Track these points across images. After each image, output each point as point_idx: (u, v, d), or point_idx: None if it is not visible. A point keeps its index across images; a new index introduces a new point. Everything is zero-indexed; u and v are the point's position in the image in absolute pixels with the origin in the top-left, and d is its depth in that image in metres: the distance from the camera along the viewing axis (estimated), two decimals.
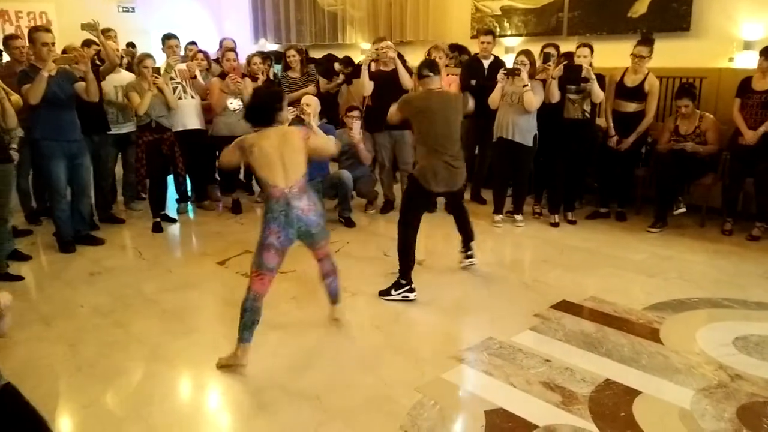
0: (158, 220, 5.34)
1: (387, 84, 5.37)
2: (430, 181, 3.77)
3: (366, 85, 5.41)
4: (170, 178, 5.62)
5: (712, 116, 5.03)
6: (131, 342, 3.33)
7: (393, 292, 3.81)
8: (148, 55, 5.26)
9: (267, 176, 2.96)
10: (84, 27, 4.84)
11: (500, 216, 5.38)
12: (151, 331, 3.44)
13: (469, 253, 4.32)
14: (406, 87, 5.41)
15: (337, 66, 7.19)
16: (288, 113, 4.83)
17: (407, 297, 3.79)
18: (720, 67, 5.37)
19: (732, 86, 5.02)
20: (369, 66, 5.41)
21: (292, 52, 6.22)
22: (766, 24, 5.13)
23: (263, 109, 3.05)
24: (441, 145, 3.75)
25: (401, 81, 5.36)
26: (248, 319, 2.96)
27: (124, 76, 5.39)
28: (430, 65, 3.89)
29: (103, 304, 3.81)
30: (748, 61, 5.22)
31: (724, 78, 5.27)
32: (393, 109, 4.02)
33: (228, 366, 3.00)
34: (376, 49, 5.46)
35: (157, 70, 5.14)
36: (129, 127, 5.47)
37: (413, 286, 3.81)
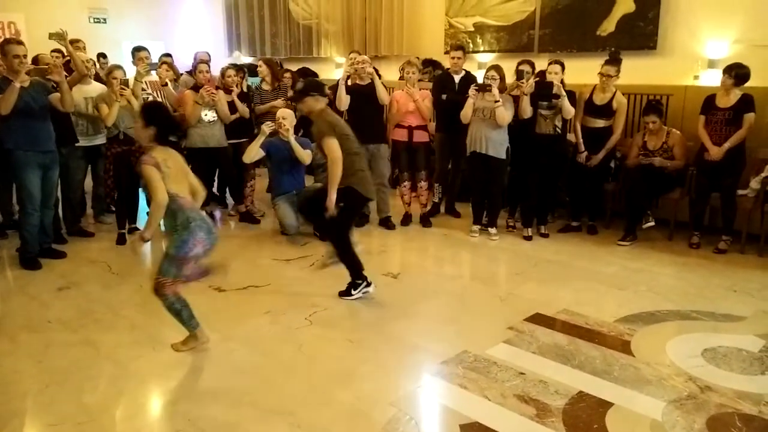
0: (123, 231, 5.29)
1: (363, 98, 5.40)
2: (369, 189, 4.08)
3: (343, 99, 5.43)
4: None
5: (678, 132, 5.17)
6: (100, 358, 3.25)
7: (353, 292, 3.98)
8: (118, 66, 5.23)
9: (175, 189, 3.07)
10: (51, 36, 4.80)
11: (478, 226, 5.43)
12: (121, 347, 3.37)
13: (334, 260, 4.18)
14: (382, 101, 5.45)
15: (326, 89, 7.21)
16: (265, 126, 4.84)
17: (367, 291, 4.00)
18: (686, 85, 5.52)
19: (697, 103, 5.17)
20: (346, 80, 5.43)
21: (260, 62, 6.20)
22: (730, 43, 5.30)
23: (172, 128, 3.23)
24: (360, 157, 4.04)
25: (378, 95, 5.39)
26: (185, 314, 3.21)
27: (95, 87, 5.32)
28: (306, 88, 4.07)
29: (71, 319, 3.72)
30: (713, 79, 5.38)
31: (689, 95, 5.42)
32: (335, 149, 3.86)
33: (189, 349, 3.25)
34: (352, 64, 5.49)
35: (125, 82, 5.09)
36: (100, 140, 5.38)
37: (369, 280, 4.01)
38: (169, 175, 3.04)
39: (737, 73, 4.69)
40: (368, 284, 4.01)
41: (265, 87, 6.01)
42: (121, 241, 5.24)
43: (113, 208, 5.68)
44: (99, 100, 5.02)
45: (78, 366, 3.16)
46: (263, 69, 6.09)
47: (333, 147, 3.84)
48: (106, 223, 5.74)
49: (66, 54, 5.15)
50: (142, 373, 3.10)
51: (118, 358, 3.25)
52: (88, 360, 3.23)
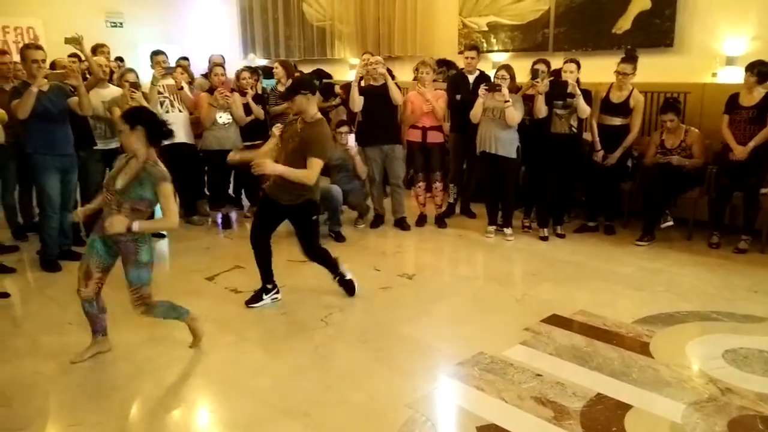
0: None
1: (377, 99, 5.40)
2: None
3: (356, 100, 5.43)
4: None
5: (697, 130, 5.10)
6: (118, 359, 3.28)
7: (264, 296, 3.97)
8: (130, 70, 5.30)
9: None
10: (67, 41, 4.86)
11: (493, 227, 5.41)
12: (139, 348, 3.40)
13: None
14: (396, 102, 5.44)
15: (337, 89, 7.21)
16: (275, 129, 4.86)
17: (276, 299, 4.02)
18: (703, 83, 5.45)
19: (715, 101, 5.11)
20: (359, 81, 5.44)
21: (276, 64, 6.26)
22: (748, 40, 5.22)
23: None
24: None
25: (391, 96, 5.39)
26: (174, 308, 3.28)
27: (112, 91, 5.37)
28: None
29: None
30: (731, 76, 5.31)
31: (707, 93, 5.35)
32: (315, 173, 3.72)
33: (201, 337, 3.36)
34: (365, 65, 5.49)
35: (135, 85, 5.14)
36: (117, 143, 5.43)
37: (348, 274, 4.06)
38: None
39: (760, 70, 4.63)
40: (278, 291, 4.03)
41: (281, 89, 6.03)
42: None
43: None
44: (112, 103, 5.07)
45: (96, 367, 3.19)
46: (279, 71, 6.12)
47: (316, 170, 3.67)
48: None
49: (83, 58, 5.21)
50: (159, 374, 3.13)
51: (135, 358, 3.28)
52: (106, 361, 3.26)
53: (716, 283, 4.25)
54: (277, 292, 4.02)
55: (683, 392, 2.86)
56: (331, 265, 4.04)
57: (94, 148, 5.30)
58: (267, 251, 3.98)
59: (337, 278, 4.05)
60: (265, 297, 3.97)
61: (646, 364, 3.13)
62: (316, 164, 3.66)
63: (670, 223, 5.01)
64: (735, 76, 5.29)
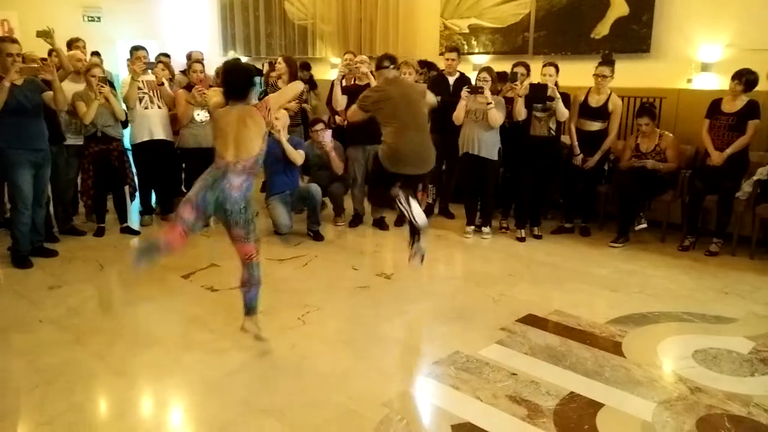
0: (103, 225, 5.41)
1: None
2: (396, 163, 3.85)
3: (339, 100, 5.42)
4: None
5: (671, 135, 5.19)
6: (91, 357, 3.24)
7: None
8: (96, 64, 5.25)
9: (218, 148, 3.05)
10: (39, 34, 4.81)
11: (471, 227, 5.45)
12: (112, 346, 3.36)
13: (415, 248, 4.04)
14: None
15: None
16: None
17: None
18: (679, 88, 5.55)
19: (690, 106, 5.21)
20: (341, 80, 5.42)
21: (279, 59, 6.09)
22: (722, 47, 5.33)
23: (236, 84, 3.07)
24: (407, 128, 3.85)
25: None
26: (142, 246, 3.21)
27: None
28: (389, 57, 4.13)
29: (62, 318, 3.71)
30: (706, 82, 5.42)
31: (682, 98, 5.45)
32: (353, 107, 4.13)
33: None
34: (348, 64, 5.48)
35: (103, 79, 5.08)
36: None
37: None
38: (217, 133, 3.05)
39: (748, 78, 4.70)
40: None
41: (281, 85, 5.95)
42: (99, 233, 5.34)
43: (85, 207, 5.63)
44: (76, 97, 4.99)
45: (69, 365, 3.14)
46: (282, 66, 6.00)
47: (352, 109, 4.20)
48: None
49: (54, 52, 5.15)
50: (133, 372, 3.09)
51: (109, 357, 3.24)
52: (79, 359, 3.21)
53: (688, 284, 4.34)
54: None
55: (654, 391, 2.91)
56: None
57: (69, 143, 5.24)
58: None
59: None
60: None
61: (618, 363, 3.18)
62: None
63: (644, 225, 5.09)
64: (710, 82, 5.40)
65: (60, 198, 5.36)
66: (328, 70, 8.57)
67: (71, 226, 5.45)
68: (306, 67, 7.71)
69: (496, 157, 5.17)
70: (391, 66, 4.10)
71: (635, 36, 5.79)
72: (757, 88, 4.75)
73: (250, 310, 3.27)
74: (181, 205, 3.02)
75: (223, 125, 3.03)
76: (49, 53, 5.35)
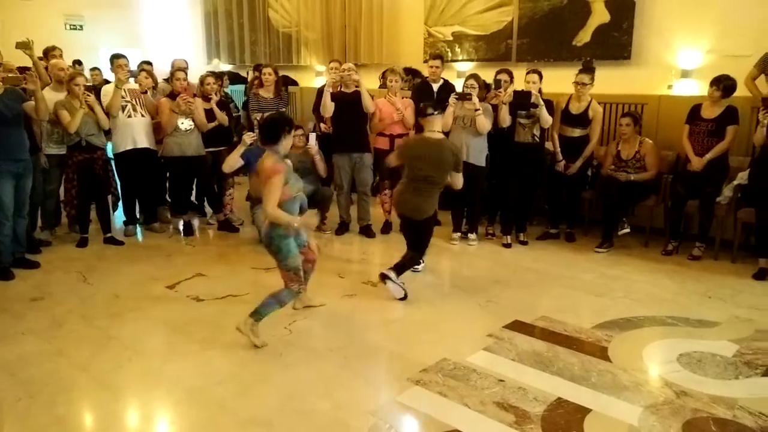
0: (86, 236, 5.35)
1: (348, 106, 5.41)
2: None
3: (327, 106, 5.42)
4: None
5: (650, 141, 5.25)
6: (75, 370, 3.19)
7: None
8: (80, 73, 5.22)
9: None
10: (18, 46, 4.80)
11: (458, 234, 5.48)
12: (96, 359, 3.31)
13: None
14: (367, 109, 5.45)
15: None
16: (247, 137, 4.78)
17: (416, 269, 4.53)
18: (659, 94, 5.63)
19: (671, 112, 5.28)
20: (332, 87, 5.43)
21: (269, 70, 5.97)
22: (702, 53, 5.42)
23: (274, 127, 3.37)
24: (418, 180, 4.20)
25: (363, 103, 5.40)
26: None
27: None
28: (434, 105, 4.32)
29: (45, 330, 3.66)
30: (686, 88, 5.50)
31: (663, 104, 5.52)
32: (392, 156, 4.62)
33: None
34: (333, 70, 5.49)
35: (89, 88, 5.04)
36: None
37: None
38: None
39: (725, 85, 4.75)
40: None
41: (265, 94, 5.93)
42: (82, 244, 5.28)
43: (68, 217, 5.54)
44: (58, 106, 4.92)
45: (52, 378, 3.10)
46: (272, 77, 5.94)
47: (391, 157, 4.71)
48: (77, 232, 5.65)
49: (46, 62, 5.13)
50: (117, 385, 3.05)
51: (93, 369, 3.20)
52: (62, 371, 3.17)
53: (672, 289, 4.38)
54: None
55: (640, 395, 2.93)
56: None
57: (51, 153, 5.20)
58: None
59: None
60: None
61: (604, 368, 3.20)
62: None
63: (627, 230, 5.14)
64: (690, 88, 5.49)
65: (33, 208, 5.29)
66: (313, 77, 8.59)
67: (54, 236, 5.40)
68: (285, 83, 7.82)
69: (483, 164, 5.19)
70: (436, 113, 4.28)
71: (616, 43, 5.87)
72: (735, 94, 4.82)
73: (256, 312, 3.43)
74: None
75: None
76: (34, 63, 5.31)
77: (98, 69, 7.07)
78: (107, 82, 6.34)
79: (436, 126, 4.26)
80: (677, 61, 5.56)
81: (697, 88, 5.43)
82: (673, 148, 5.33)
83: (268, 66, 6.14)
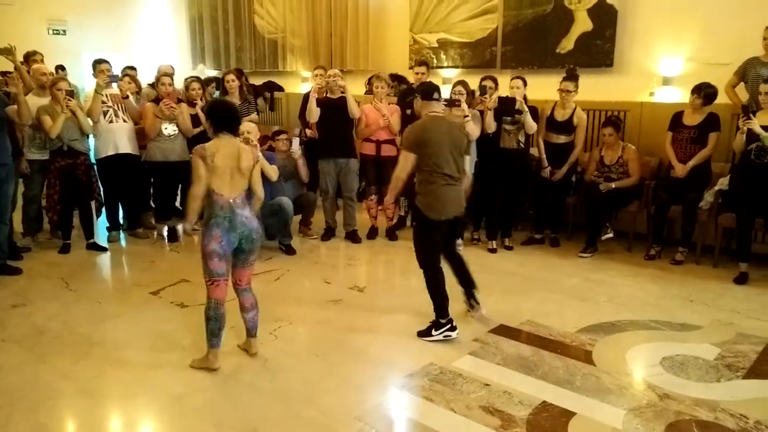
0: (69, 242, 5.29)
1: (334, 111, 5.41)
2: (438, 210, 3.57)
3: (313, 112, 5.43)
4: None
5: (633, 147, 5.31)
6: (57, 377, 3.15)
7: (433, 332, 3.60)
8: (62, 78, 5.17)
9: (214, 184, 3.05)
10: (0, 52, 4.74)
11: None
12: (79, 366, 3.27)
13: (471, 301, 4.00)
14: (353, 115, 5.46)
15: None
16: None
17: (449, 336, 3.58)
18: (641, 101, 5.70)
19: (653, 119, 5.34)
20: (317, 92, 5.44)
21: (231, 76, 6.00)
22: (683, 61, 5.50)
23: (231, 117, 3.18)
24: (442, 169, 3.54)
25: (349, 109, 5.41)
26: (213, 326, 3.14)
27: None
28: (437, 89, 3.76)
29: (26, 338, 3.60)
30: (667, 95, 5.58)
31: (645, 111, 5.60)
32: (401, 163, 3.65)
33: (201, 368, 3.20)
34: (319, 76, 5.50)
35: (70, 93, 4.99)
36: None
37: (454, 323, 3.61)
38: (214, 170, 3.03)
39: (706, 92, 4.81)
40: (453, 327, 3.59)
41: (234, 100, 5.92)
42: (65, 250, 5.24)
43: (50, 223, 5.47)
44: (41, 111, 4.87)
45: (34, 385, 3.06)
46: (235, 83, 5.93)
47: (403, 166, 3.61)
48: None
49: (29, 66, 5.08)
50: (100, 392, 3.02)
51: (75, 376, 3.16)
52: (45, 379, 3.13)
53: (655, 293, 4.43)
54: (452, 329, 3.59)
55: (624, 399, 2.96)
56: (434, 295, 3.68)
57: (33, 158, 5.14)
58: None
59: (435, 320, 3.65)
60: (434, 333, 3.61)
61: (589, 372, 3.23)
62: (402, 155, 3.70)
63: (611, 235, 5.19)
64: (671, 95, 5.57)
65: (26, 213, 5.25)
66: (299, 83, 8.59)
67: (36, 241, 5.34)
68: (271, 88, 7.91)
69: (472, 171, 5.20)
70: (442, 100, 3.76)
71: (599, 51, 5.93)
72: (717, 101, 4.89)
73: (254, 330, 3.38)
74: (209, 263, 3.06)
75: (219, 162, 3.03)
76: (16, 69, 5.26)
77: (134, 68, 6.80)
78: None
79: (439, 108, 3.74)
80: (659, 69, 5.64)
81: (679, 95, 5.51)
82: (655, 154, 5.40)
83: (229, 72, 6.15)
